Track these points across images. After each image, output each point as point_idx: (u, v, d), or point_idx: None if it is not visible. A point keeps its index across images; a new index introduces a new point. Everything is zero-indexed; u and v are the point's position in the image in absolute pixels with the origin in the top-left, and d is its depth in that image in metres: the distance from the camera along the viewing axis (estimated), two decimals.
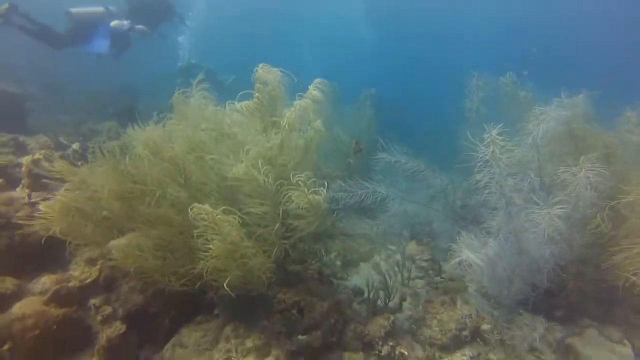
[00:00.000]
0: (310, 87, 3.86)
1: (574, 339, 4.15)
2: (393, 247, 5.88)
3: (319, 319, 3.57)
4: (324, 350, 3.58)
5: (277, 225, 3.29)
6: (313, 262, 4.38)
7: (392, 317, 3.82)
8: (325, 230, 6.09)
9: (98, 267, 3.67)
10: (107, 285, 3.53)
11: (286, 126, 3.39)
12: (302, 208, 3.07)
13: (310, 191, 3.04)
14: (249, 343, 2.98)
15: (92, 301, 3.46)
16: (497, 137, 3.49)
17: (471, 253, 3.44)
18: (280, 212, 3.32)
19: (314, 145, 4.13)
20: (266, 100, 4.03)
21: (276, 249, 3.28)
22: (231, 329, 3.18)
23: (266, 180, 3.03)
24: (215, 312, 3.72)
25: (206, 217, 2.76)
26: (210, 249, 2.75)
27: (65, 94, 12.59)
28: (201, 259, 2.82)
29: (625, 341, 4.10)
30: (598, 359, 3.85)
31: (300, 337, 3.48)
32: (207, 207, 2.75)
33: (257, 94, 3.78)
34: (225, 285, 2.80)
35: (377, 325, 3.71)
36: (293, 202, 3.01)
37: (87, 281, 3.49)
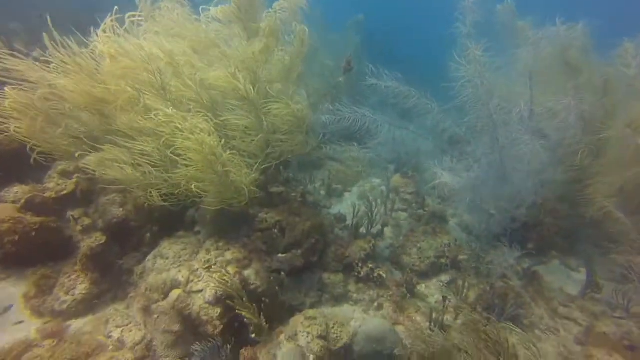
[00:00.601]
0: None
1: (539, 268, 4.46)
2: (378, 180, 5.87)
3: (301, 238, 3.61)
4: (304, 269, 3.68)
5: (260, 136, 3.14)
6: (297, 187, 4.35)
7: (373, 241, 3.89)
8: (310, 160, 6.01)
9: (74, 180, 3.53)
10: (84, 198, 3.43)
11: (267, 30, 3.05)
12: (285, 121, 2.90)
13: (294, 102, 2.86)
14: (228, 255, 3.01)
15: (71, 213, 3.38)
16: (482, 54, 3.29)
17: (452, 177, 3.41)
18: (265, 124, 3.15)
19: (299, 59, 3.86)
20: (245, 5, 3.66)
21: (259, 161, 3.17)
22: (211, 242, 3.18)
23: (250, 89, 2.81)
24: (196, 229, 3.73)
25: (179, 124, 2.59)
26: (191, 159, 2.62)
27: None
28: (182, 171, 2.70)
29: (581, 269, 4.50)
30: (556, 283, 4.25)
31: (280, 255, 3.54)
32: (175, 112, 2.55)
33: None
34: (206, 198, 2.74)
35: (358, 248, 3.79)
36: (277, 115, 2.83)
37: (63, 193, 3.38)
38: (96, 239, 3.05)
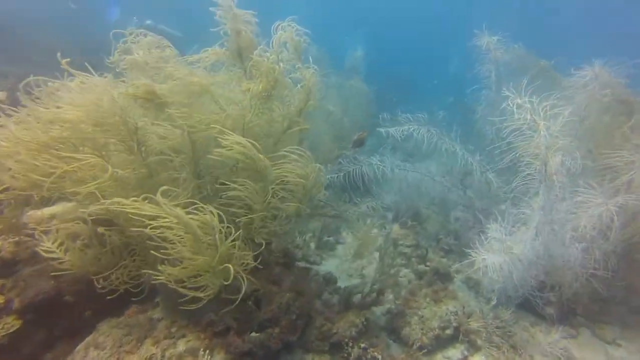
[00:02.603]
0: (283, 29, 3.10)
1: (569, 342, 3.76)
2: (375, 230, 5.29)
3: (278, 313, 2.97)
4: (281, 351, 3.01)
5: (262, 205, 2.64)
6: (280, 243, 3.75)
7: (366, 314, 3.24)
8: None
9: None
10: (4, 267, 2.79)
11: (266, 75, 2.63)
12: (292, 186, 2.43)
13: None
14: (181, 345, 2.36)
15: None
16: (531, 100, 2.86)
17: (494, 256, 2.87)
18: (270, 191, 2.67)
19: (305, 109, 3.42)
20: (237, 50, 3.31)
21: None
22: (165, 324, 2.54)
23: (264, 161, 2.36)
24: (157, 299, 3.10)
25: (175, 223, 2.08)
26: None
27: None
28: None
29: (619, 342, 3.74)
30: None
31: (253, 334, 2.88)
32: (178, 211, 2.04)
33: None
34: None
35: (348, 323, 3.13)
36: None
37: None
38: (4, 327, 2.40)
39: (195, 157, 2.83)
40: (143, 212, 2.03)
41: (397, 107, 4.19)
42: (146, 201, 2.12)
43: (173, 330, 2.44)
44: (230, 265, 2.38)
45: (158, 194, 2.11)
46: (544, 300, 3.99)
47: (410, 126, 4.11)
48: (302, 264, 4.47)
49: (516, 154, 4.40)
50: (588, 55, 3.80)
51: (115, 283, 2.48)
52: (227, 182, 2.77)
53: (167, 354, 2.25)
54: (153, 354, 2.22)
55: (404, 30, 21.10)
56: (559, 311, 3.97)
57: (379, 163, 3.96)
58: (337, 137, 6.59)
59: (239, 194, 2.74)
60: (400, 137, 4.09)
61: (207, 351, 2.35)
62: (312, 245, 4.95)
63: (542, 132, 3.22)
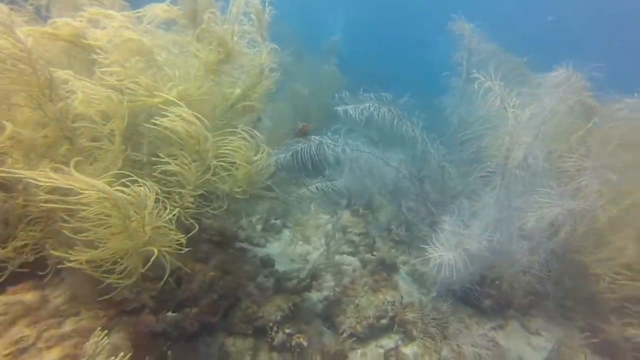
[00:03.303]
0: None
1: (497, 333, 3.82)
2: (326, 217, 5.15)
3: (198, 292, 2.77)
4: (201, 332, 2.82)
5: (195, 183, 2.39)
6: (215, 222, 3.52)
7: (295, 299, 3.10)
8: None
9: None
10: None
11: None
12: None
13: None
14: (68, 325, 2.10)
15: None
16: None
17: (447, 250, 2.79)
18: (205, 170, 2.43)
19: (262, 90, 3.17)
20: (192, 11, 2.98)
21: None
22: (61, 302, 2.27)
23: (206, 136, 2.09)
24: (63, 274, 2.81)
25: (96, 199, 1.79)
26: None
27: None
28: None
29: (541, 332, 3.91)
30: (515, 351, 3.63)
31: (169, 314, 2.67)
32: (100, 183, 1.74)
33: None
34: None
35: (275, 307, 2.97)
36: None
37: None
38: None
39: (130, 125, 2.52)
40: (48, 183, 1.73)
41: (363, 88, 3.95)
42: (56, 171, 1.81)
43: (63, 308, 2.17)
44: (154, 248, 2.14)
45: (72, 164, 1.81)
46: (483, 294, 4.00)
47: (371, 104, 3.89)
48: (244, 245, 4.28)
49: (480, 143, 4.39)
50: (563, 57, 3.75)
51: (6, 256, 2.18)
52: (160, 155, 2.50)
53: (45, 335, 1.99)
54: (25, 335, 1.94)
55: (385, 14, 20.73)
56: (496, 304, 4.00)
57: (329, 142, 3.74)
58: (302, 118, 6.40)
59: (172, 169, 2.48)
60: (359, 116, 3.86)
61: (105, 332, 2.10)
62: (259, 227, 4.75)
63: (510, 120, 3.14)
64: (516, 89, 3.36)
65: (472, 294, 3.94)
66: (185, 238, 2.44)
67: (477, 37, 4.58)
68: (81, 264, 1.96)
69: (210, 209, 2.93)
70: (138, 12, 2.80)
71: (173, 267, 2.75)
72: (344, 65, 8.84)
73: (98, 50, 2.37)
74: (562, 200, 3.28)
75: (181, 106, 2.31)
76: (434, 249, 3.63)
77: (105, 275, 2.10)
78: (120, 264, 2.15)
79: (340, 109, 3.93)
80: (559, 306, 4.16)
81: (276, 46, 3.21)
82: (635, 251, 3.60)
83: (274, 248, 4.48)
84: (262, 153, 2.90)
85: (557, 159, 4.11)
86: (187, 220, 2.66)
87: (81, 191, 1.78)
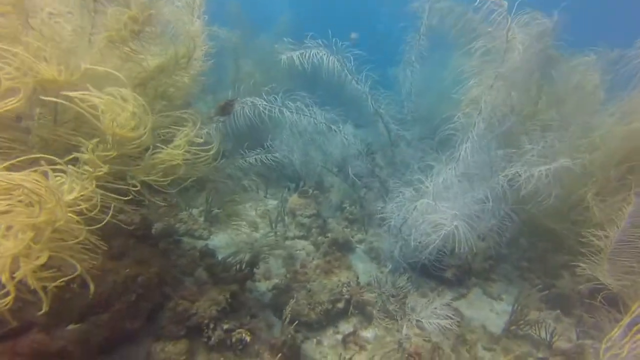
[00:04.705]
0: None
1: (460, 303, 3.68)
2: (275, 202, 4.78)
3: (110, 295, 2.30)
4: (120, 341, 2.36)
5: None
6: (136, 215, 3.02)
7: (234, 288, 2.71)
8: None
9: None
10: None
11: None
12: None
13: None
14: None
15: None
16: None
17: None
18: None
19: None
20: None
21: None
22: None
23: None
24: None
25: None
26: None
27: None
28: None
29: (503, 296, 3.87)
30: (478, 319, 3.54)
31: (71, 326, 2.19)
32: None
33: None
34: None
35: (209, 301, 2.56)
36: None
37: None
38: None
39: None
40: None
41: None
42: None
43: None
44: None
45: None
46: (444, 264, 3.83)
47: (319, 51, 3.47)
48: (184, 239, 3.81)
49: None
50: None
51: None
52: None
53: None
54: None
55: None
56: (458, 274, 3.86)
57: (265, 103, 3.31)
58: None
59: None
60: (306, 64, 3.45)
61: None
62: (201, 219, 4.29)
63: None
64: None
65: (434, 265, 3.75)
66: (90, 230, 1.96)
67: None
68: None
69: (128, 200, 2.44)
70: None
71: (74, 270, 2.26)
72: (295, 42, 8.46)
73: None
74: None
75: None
76: (391, 222, 3.40)
77: None
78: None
79: (284, 56, 3.52)
80: (516, 268, 4.11)
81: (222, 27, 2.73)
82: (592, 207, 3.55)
83: (219, 239, 4.05)
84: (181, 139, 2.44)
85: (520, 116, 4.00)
86: (91, 211, 2.17)
87: None
